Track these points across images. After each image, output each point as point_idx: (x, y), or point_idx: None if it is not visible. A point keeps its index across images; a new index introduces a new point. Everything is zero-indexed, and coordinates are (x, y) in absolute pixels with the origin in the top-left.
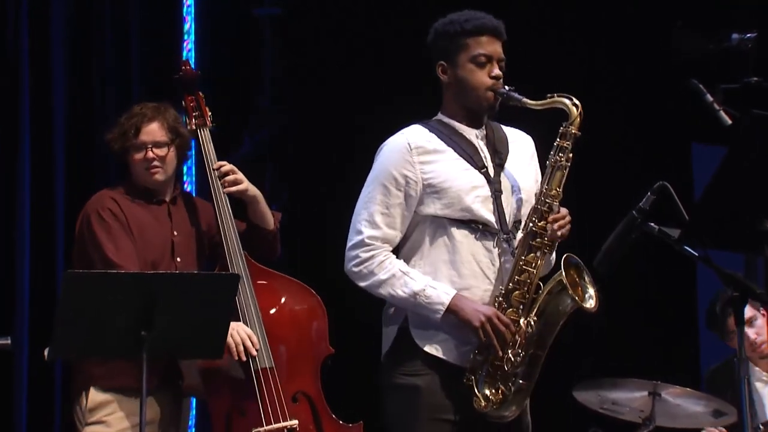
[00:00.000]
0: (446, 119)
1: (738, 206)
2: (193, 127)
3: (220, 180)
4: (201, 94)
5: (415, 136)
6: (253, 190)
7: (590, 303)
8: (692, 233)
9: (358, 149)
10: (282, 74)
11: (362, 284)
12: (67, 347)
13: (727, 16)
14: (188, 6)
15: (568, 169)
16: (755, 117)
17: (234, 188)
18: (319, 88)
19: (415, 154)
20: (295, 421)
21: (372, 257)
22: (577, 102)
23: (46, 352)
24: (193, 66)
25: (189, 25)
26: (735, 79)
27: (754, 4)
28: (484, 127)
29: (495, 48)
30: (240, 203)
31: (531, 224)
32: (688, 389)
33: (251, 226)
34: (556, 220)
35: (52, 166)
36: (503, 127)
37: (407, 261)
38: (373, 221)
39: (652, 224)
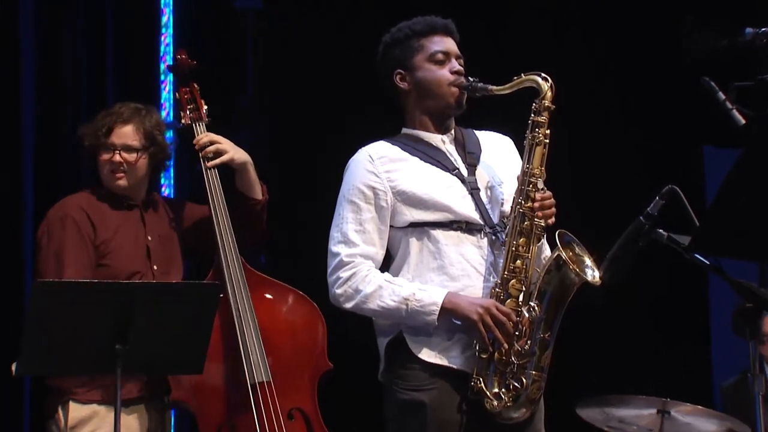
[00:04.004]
0: (410, 131)
1: (752, 212)
2: (188, 121)
3: (200, 153)
4: (196, 85)
5: (376, 148)
6: (241, 158)
7: (591, 275)
8: (703, 240)
9: (350, 147)
10: (265, 68)
11: (349, 306)
12: (36, 362)
13: (740, 11)
14: None
15: (547, 146)
16: None
17: (218, 161)
18: (305, 83)
19: (378, 164)
20: None
21: (354, 274)
22: (545, 76)
23: (14, 367)
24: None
25: (167, 17)
26: (749, 76)
27: None
28: (452, 131)
29: (450, 45)
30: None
31: (518, 206)
32: (699, 407)
33: (238, 195)
34: (543, 200)
35: (19, 167)
36: (478, 131)
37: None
38: (349, 240)
39: (660, 231)
